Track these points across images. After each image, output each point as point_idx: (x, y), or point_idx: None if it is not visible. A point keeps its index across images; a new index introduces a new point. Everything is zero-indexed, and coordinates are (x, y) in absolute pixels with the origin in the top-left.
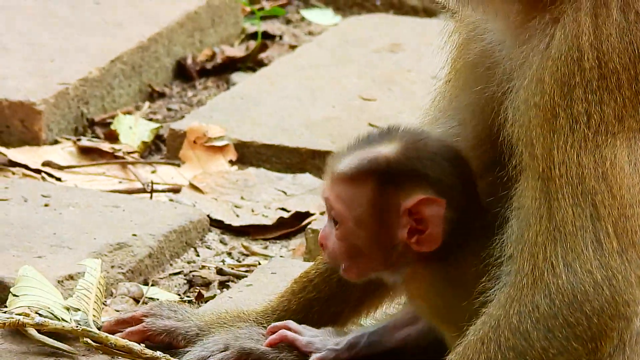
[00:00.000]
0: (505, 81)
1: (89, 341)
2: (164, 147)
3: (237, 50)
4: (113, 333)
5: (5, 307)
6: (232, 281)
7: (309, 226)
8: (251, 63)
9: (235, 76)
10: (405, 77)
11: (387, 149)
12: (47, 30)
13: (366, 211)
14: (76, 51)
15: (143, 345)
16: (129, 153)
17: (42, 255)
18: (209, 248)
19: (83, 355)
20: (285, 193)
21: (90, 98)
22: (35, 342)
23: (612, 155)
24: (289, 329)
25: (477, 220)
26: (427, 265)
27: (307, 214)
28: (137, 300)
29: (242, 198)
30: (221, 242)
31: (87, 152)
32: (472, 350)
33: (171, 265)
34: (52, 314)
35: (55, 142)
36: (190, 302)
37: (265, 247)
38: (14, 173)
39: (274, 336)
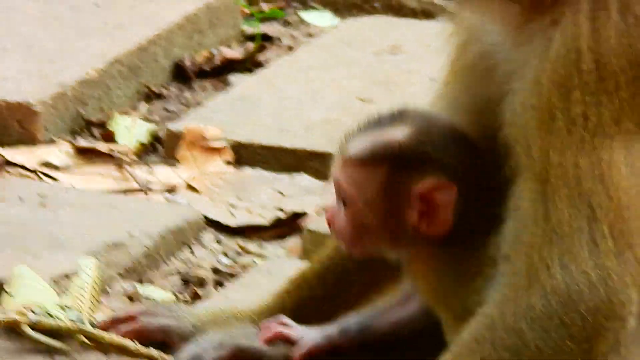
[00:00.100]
0: (503, 83)
1: (84, 339)
2: (161, 148)
3: (236, 52)
4: (108, 331)
5: (0, 305)
6: (228, 280)
7: (305, 226)
8: (249, 65)
9: (234, 78)
10: (404, 79)
11: (399, 132)
12: (46, 32)
13: (377, 194)
14: (75, 52)
15: (138, 343)
16: (125, 154)
17: (38, 254)
18: (204, 247)
19: (78, 353)
20: (282, 193)
21: (87, 99)
22: (30, 341)
23: (609, 157)
24: (283, 324)
25: (486, 205)
26: (434, 247)
27: (304, 215)
28: (132, 299)
29: (238, 198)
30: (217, 241)
31: (84, 153)
32: (467, 350)
33: (167, 264)
34: (47, 312)
35: (52, 142)
36: (185, 301)
37: (261, 247)
38: (10, 173)
39: (268, 332)
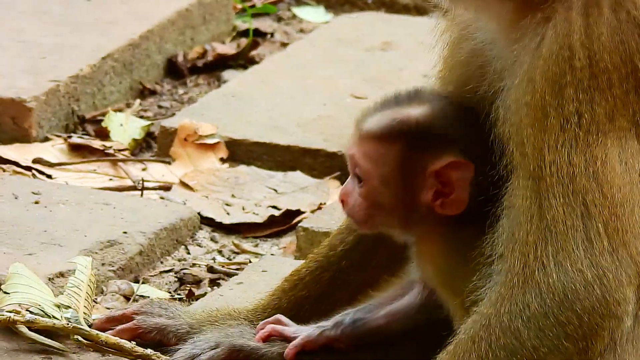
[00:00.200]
0: (496, 80)
1: (80, 339)
2: (155, 144)
3: (229, 48)
4: (104, 330)
5: None
6: (223, 279)
7: (299, 224)
8: (242, 61)
9: (227, 74)
10: (397, 75)
11: (416, 111)
12: (39, 28)
13: (393, 171)
14: (68, 49)
15: (134, 342)
16: (119, 150)
17: (33, 252)
18: (199, 246)
19: (74, 353)
20: (276, 191)
21: (81, 95)
22: (26, 340)
23: (603, 155)
24: (279, 322)
25: (496, 187)
26: (443, 227)
27: (298, 212)
28: (127, 298)
29: (232, 196)
30: (212, 239)
31: (77, 150)
32: (463, 349)
33: (162, 263)
34: (43, 312)
35: (46, 139)
36: (181, 299)
37: (256, 245)
38: (4, 170)
39: (263, 330)
